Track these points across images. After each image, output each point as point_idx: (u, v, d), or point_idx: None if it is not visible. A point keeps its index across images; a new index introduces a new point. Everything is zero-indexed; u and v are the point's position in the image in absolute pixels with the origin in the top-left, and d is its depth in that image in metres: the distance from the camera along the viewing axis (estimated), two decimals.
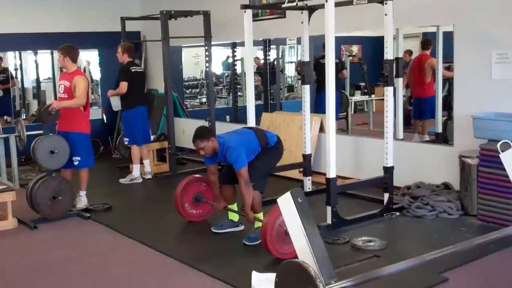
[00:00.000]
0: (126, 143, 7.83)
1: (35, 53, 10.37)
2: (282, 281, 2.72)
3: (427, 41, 8.32)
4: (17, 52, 10.30)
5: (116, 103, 7.90)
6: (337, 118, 9.12)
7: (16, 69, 10.47)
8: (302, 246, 2.51)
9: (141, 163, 7.89)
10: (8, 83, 9.92)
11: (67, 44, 6.30)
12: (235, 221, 5.42)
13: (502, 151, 3.30)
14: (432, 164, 6.19)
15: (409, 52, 9.56)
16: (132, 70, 7.62)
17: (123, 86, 7.51)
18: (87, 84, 6.20)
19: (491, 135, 5.22)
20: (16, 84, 10.34)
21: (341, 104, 9.44)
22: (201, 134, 5.06)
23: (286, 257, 3.89)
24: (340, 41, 12.09)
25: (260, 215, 5.09)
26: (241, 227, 5.40)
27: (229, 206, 5.42)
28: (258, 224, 5.05)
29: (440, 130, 7.47)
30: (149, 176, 7.88)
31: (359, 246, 4.84)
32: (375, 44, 6.49)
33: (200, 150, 5.06)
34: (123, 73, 7.63)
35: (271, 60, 9.77)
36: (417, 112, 8.35)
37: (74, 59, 6.24)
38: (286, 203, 2.58)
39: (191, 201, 5.68)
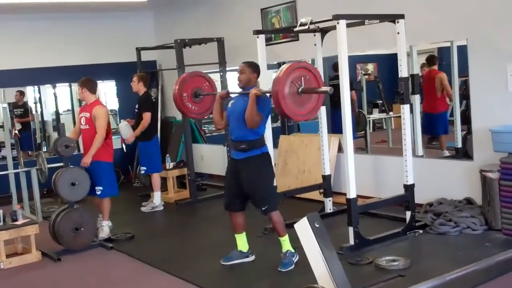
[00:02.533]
0: (142, 172, 7.86)
1: (54, 86, 10.53)
2: None
3: (432, 57, 8.32)
4: (36, 86, 10.47)
5: (126, 131, 7.93)
6: (354, 138, 9.10)
7: (35, 103, 10.64)
8: (321, 271, 2.50)
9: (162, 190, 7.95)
10: (26, 117, 10.07)
11: (85, 77, 6.45)
12: (245, 251, 5.25)
13: None
14: (453, 180, 6.14)
15: (427, 65, 9.54)
16: (153, 100, 7.69)
17: (148, 116, 7.54)
18: (107, 114, 6.34)
19: (511, 148, 5.17)
20: (35, 118, 10.48)
21: (358, 123, 9.41)
22: (251, 63, 5.12)
23: (301, 119, 3.65)
24: (355, 60, 12.09)
25: (285, 239, 4.97)
26: (251, 258, 5.26)
27: (237, 235, 5.24)
28: (285, 247, 4.95)
29: (459, 145, 7.41)
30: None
31: (383, 266, 4.80)
32: (391, 62, 6.49)
33: (240, 73, 5.06)
34: (147, 103, 7.67)
35: None
36: (427, 127, 8.27)
37: (92, 90, 6.37)
38: (303, 228, 2.57)
39: (190, 93, 5.43)
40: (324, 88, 3.86)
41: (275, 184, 5.40)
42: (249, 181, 4.97)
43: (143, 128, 7.54)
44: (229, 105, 5.16)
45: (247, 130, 4.89)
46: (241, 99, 5.03)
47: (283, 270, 4.89)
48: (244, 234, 5.24)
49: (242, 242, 5.24)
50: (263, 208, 4.93)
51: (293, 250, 4.97)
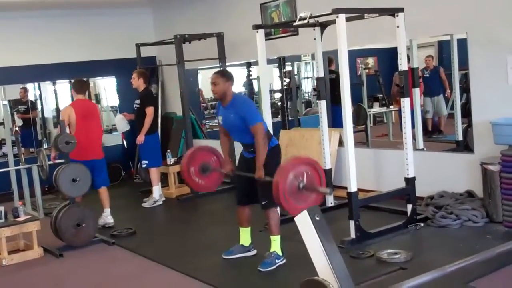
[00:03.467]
0: (144, 166, 7.86)
1: (54, 83, 10.54)
2: None
3: None
4: (36, 83, 10.47)
5: (122, 126, 7.90)
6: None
7: (36, 99, 10.65)
8: (322, 264, 2.50)
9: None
10: (28, 114, 10.08)
11: (76, 78, 7.01)
12: (246, 246, 5.25)
13: None
14: (454, 173, 6.14)
15: (432, 57, 9.61)
16: (155, 96, 7.69)
17: (152, 111, 7.54)
18: (66, 114, 6.59)
19: None
20: (37, 115, 10.50)
21: (358, 117, 9.42)
22: (223, 72, 5.05)
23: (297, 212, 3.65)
24: (355, 54, 12.08)
25: (277, 238, 4.94)
26: (253, 252, 5.25)
27: (243, 229, 5.24)
28: (273, 248, 4.92)
29: (460, 138, 7.41)
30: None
31: (384, 259, 4.81)
32: (391, 55, 6.49)
33: (214, 86, 4.92)
34: (150, 98, 7.69)
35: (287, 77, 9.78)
36: None
37: (79, 91, 6.81)
38: (303, 221, 2.58)
39: (198, 168, 5.32)
40: (324, 189, 3.88)
41: None
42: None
43: (149, 123, 7.52)
44: (220, 119, 5.12)
45: (250, 136, 4.86)
46: (230, 112, 4.95)
47: (261, 269, 4.84)
48: (249, 228, 5.25)
49: (245, 236, 5.25)
50: (263, 202, 4.90)
51: (280, 254, 4.94)
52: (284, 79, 9.22)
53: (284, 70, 9.32)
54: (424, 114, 8.88)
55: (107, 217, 6.76)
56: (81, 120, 6.56)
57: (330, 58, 8.55)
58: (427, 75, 9.45)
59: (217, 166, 5.23)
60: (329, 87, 7.53)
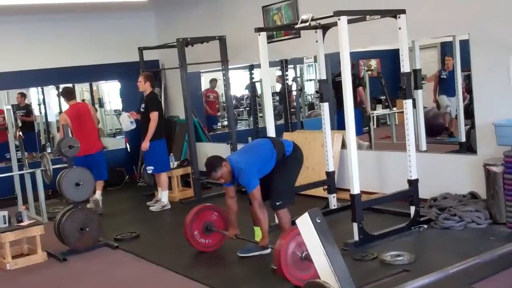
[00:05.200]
0: (150, 171, 7.86)
1: (57, 88, 10.56)
2: None
3: None
4: (39, 88, 10.49)
5: (127, 124, 7.92)
6: (361, 133, 9.10)
7: (39, 104, 10.67)
8: (323, 266, 2.50)
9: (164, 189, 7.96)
10: (28, 118, 10.11)
11: (63, 87, 8.43)
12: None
13: None
14: (457, 174, 6.13)
15: (452, 58, 9.36)
16: (160, 100, 7.69)
17: (156, 116, 7.52)
18: (64, 119, 7.59)
19: None
20: (36, 119, 10.51)
21: (363, 119, 9.41)
22: (212, 164, 5.10)
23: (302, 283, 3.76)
24: (358, 56, 12.06)
25: None
26: (268, 250, 5.27)
27: (257, 228, 5.31)
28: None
29: (463, 139, 7.40)
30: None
31: (387, 261, 4.80)
32: (394, 57, 6.48)
33: (220, 179, 5.09)
34: (154, 103, 7.66)
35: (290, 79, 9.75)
36: None
37: (69, 98, 7.92)
38: (304, 224, 2.58)
39: (201, 229, 5.57)
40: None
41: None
42: (274, 173, 5.12)
43: (153, 129, 7.50)
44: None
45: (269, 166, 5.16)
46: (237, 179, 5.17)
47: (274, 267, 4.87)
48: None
49: (260, 234, 5.32)
50: (277, 203, 5.00)
51: None
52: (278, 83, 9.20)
53: (277, 75, 9.36)
54: (445, 108, 9.11)
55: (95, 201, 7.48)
56: (75, 121, 7.53)
57: None
58: (444, 76, 9.29)
59: (219, 224, 5.55)
60: (332, 90, 7.52)
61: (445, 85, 9.24)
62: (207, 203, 5.86)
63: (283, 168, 5.14)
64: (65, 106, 8.76)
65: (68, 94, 7.98)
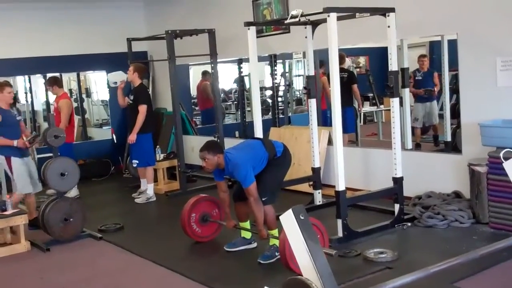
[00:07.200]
0: (135, 165, 7.81)
1: (44, 76, 10.48)
2: None
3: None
4: (26, 76, 10.41)
5: (112, 81, 7.99)
6: (352, 131, 9.12)
7: (26, 93, 10.59)
8: (306, 263, 2.51)
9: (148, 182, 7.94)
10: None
11: (51, 76, 8.52)
12: (248, 238, 5.38)
13: (505, 159, 3.30)
14: (442, 173, 6.17)
15: (426, 58, 8.97)
16: (149, 92, 7.60)
17: (145, 109, 7.44)
18: (69, 105, 7.96)
19: (499, 142, 5.19)
20: (25, 108, 10.43)
21: (356, 117, 9.42)
22: (210, 146, 5.10)
23: None
24: (347, 53, 12.08)
25: (275, 232, 5.04)
26: (254, 244, 5.36)
27: (242, 224, 5.38)
28: (273, 241, 4.99)
29: (449, 138, 7.45)
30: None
31: (371, 258, 4.83)
32: (382, 55, 6.50)
33: (204, 163, 5.06)
34: (143, 96, 7.57)
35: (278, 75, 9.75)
36: None
37: (59, 85, 8.07)
38: (288, 220, 2.59)
39: (198, 220, 5.63)
40: (328, 251, 3.94)
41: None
42: (263, 171, 5.12)
43: (141, 122, 7.41)
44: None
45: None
46: (227, 174, 5.23)
47: (262, 261, 4.95)
48: (248, 222, 5.37)
49: (245, 230, 5.38)
50: (263, 198, 5.00)
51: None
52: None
53: (242, 74, 9.49)
54: (412, 121, 8.16)
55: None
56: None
57: (342, 55, 7.90)
58: (419, 77, 8.79)
59: (217, 218, 5.63)
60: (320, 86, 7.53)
61: (420, 88, 8.77)
62: (193, 195, 5.83)
63: (273, 167, 5.15)
64: (52, 96, 8.77)
65: (59, 82, 8.13)
